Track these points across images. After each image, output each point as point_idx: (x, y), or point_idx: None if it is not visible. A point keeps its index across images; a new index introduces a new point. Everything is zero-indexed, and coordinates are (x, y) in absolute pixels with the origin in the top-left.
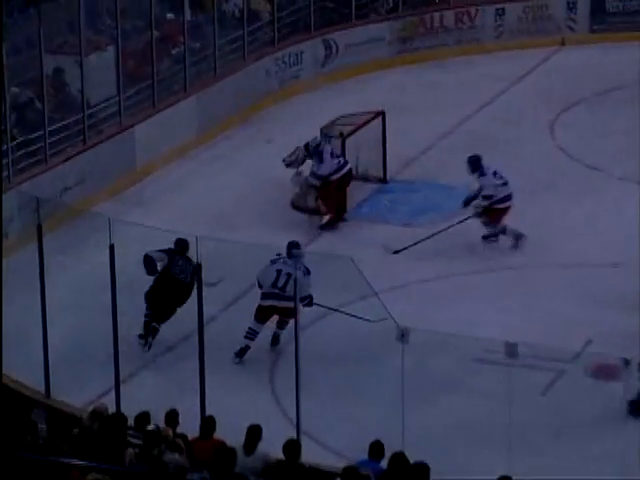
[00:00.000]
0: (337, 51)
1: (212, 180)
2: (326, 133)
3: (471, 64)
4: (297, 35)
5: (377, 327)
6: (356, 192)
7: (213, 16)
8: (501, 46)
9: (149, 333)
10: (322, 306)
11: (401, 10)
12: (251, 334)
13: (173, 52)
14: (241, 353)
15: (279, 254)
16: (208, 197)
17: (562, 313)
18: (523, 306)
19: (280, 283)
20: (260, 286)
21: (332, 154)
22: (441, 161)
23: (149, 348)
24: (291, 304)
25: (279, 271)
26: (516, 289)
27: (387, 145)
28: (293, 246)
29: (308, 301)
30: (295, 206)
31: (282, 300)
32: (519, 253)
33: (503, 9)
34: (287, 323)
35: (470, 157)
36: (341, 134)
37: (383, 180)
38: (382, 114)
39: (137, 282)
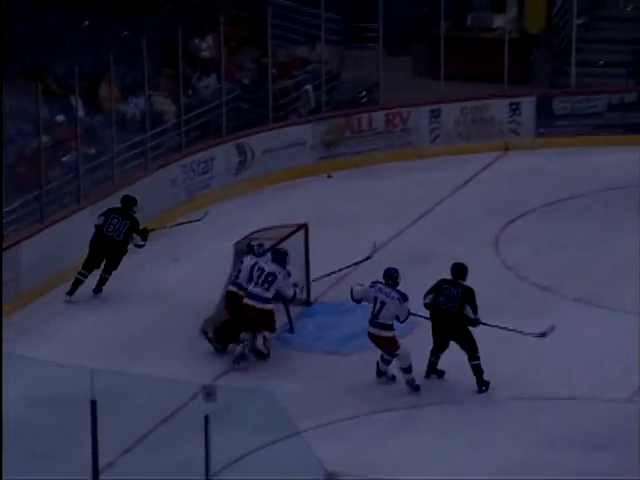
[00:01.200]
0: (253, 157)
1: (110, 305)
2: (240, 249)
3: (404, 171)
4: (207, 139)
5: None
6: (278, 315)
7: (111, 118)
8: (437, 151)
9: (74, 285)
10: None
11: (325, 111)
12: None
13: (64, 159)
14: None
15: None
16: (106, 324)
17: (513, 452)
18: (471, 444)
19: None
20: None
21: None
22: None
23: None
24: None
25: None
26: (462, 425)
27: (311, 262)
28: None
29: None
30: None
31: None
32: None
33: (439, 110)
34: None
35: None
36: (258, 248)
37: (307, 302)
38: (305, 227)
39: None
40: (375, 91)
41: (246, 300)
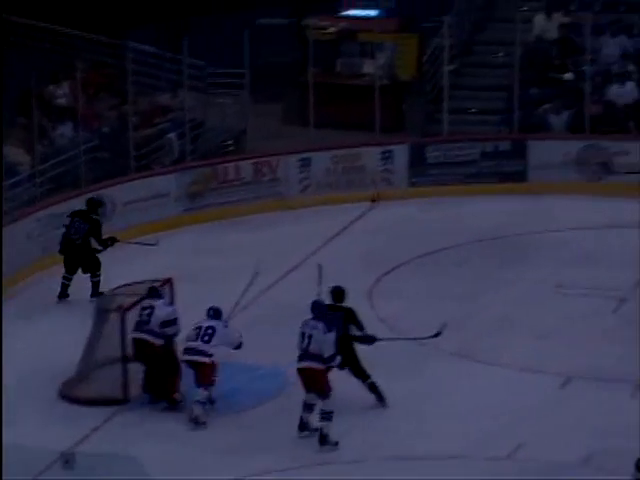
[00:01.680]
0: (114, 209)
1: None
2: (102, 307)
3: (274, 223)
4: (64, 191)
5: None
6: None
7: None
8: (308, 201)
9: (62, 288)
10: None
11: (189, 160)
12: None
13: None
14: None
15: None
16: None
17: None
18: None
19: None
20: None
21: None
22: (244, 337)
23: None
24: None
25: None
26: None
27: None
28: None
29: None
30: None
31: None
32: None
33: (309, 159)
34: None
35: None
36: (120, 307)
37: None
38: (169, 282)
39: None
40: (242, 139)
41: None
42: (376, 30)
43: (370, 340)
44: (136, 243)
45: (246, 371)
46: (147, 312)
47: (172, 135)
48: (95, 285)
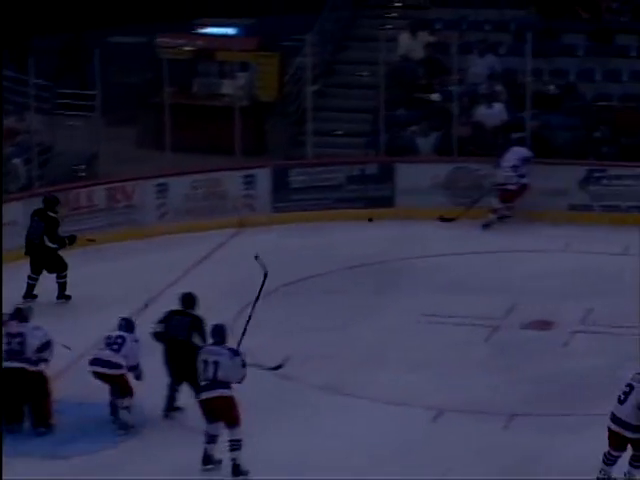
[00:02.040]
0: None
1: None
2: None
3: (130, 252)
4: None
5: None
6: None
7: None
8: (166, 229)
9: (27, 288)
10: None
11: (37, 187)
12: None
13: None
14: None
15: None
16: None
17: None
18: None
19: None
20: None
21: None
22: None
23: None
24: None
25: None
26: None
27: None
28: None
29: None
30: None
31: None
32: None
33: (166, 184)
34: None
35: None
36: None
37: None
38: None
39: None
40: (94, 164)
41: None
42: (235, 49)
43: None
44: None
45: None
46: (18, 340)
47: (17, 160)
48: (61, 286)
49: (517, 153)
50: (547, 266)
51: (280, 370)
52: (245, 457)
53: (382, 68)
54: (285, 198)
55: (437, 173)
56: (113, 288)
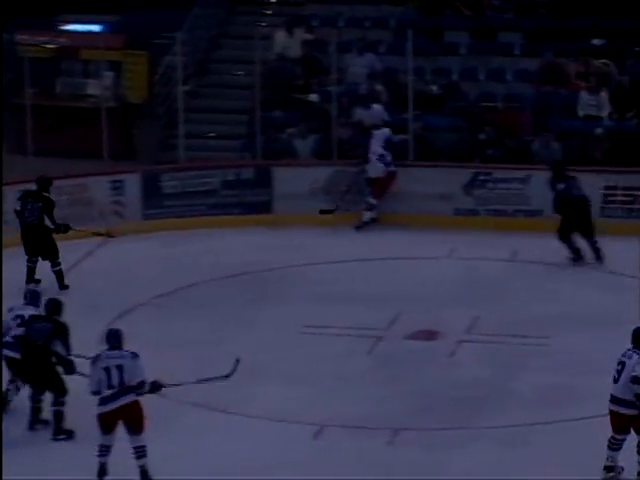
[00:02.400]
0: None
1: None
2: None
3: None
4: None
5: None
6: None
7: None
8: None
9: (28, 273)
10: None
11: None
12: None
13: None
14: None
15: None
16: None
17: None
18: None
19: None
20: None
21: None
22: None
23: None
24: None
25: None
26: None
27: None
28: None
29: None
30: None
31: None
32: None
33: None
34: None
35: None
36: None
37: None
38: None
39: None
40: None
41: None
42: (100, 47)
43: (69, 366)
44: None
45: None
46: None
47: None
48: (59, 275)
49: (379, 138)
50: (432, 273)
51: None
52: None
53: (257, 67)
54: (156, 205)
55: (316, 177)
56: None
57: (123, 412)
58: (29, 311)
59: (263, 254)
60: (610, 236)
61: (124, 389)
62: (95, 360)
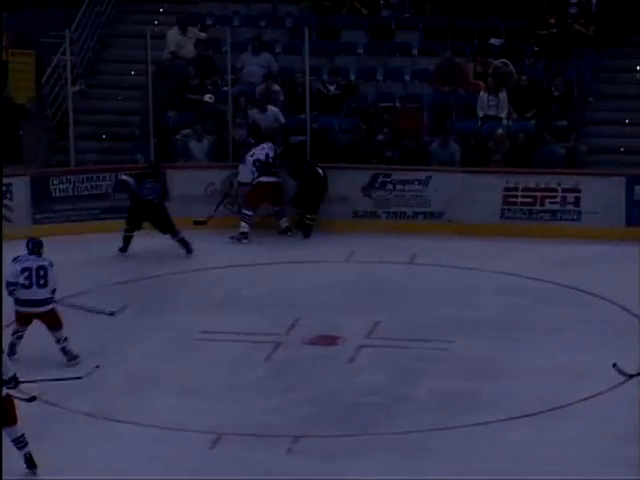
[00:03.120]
0: None
1: None
2: None
3: None
4: None
5: None
6: None
7: None
8: None
9: (125, 242)
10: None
11: None
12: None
13: None
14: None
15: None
16: None
17: None
18: None
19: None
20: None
21: None
22: None
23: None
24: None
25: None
26: None
27: None
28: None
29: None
30: None
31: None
32: None
33: None
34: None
35: None
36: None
37: None
38: None
39: None
40: None
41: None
42: None
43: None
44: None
45: None
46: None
47: None
48: (183, 242)
49: (267, 148)
50: (330, 277)
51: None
52: None
53: (150, 67)
54: (46, 209)
55: (212, 180)
56: None
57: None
58: (35, 262)
59: (155, 260)
60: (510, 238)
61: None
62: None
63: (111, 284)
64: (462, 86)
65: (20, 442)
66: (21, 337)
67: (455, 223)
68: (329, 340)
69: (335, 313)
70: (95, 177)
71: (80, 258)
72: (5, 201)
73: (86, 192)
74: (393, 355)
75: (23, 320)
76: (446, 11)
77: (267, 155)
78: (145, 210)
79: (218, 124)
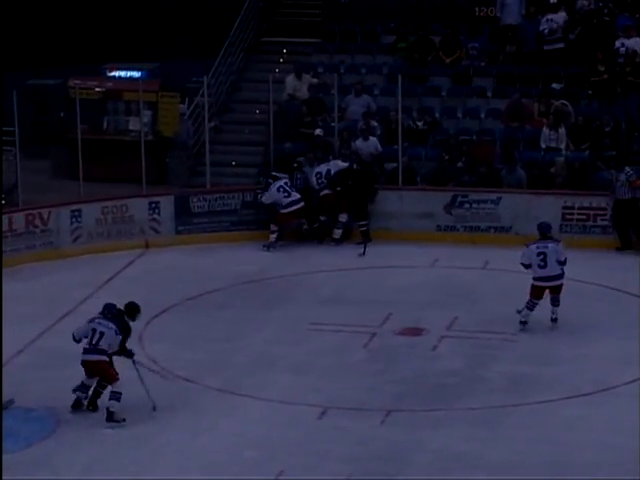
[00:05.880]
0: None
1: None
2: None
3: (47, 271)
4: None
5: None
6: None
7: None
8: (79, 251)
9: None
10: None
11: None
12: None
13: None
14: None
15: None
16: None
17: None
18: None
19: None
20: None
21: None
22: (17, 381)
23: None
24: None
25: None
26: None
27: None
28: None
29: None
30: None
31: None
32: None
33: (79, 210)
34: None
35: None
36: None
37: None
38: None
39: None
40: (14, 193)
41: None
42: (140, 90)
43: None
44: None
45: (16, 415)
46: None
47: None
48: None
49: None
50: (418, 280)
51: (183, 375)
52: (148, 453)
53: (271, 107)
54: (186, 222)
55: None
56: (30, 305)
57: (90, 366)
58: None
59: (275, 264)
60: (567, 248)
61: (96, 349)
62: (90, 321)
63: (238, 283)
64: (528, 123)
65: (115, 396)
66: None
67: (521, 235)
68: (416, 331)
69: (421, 309)
70: (226, 196)
71: (213, 262)
72: (154, 215)
73: (219, 208)
74: (469, 344)
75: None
76: (515, 60)
77: (328, 171)
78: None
79: (326, 153)
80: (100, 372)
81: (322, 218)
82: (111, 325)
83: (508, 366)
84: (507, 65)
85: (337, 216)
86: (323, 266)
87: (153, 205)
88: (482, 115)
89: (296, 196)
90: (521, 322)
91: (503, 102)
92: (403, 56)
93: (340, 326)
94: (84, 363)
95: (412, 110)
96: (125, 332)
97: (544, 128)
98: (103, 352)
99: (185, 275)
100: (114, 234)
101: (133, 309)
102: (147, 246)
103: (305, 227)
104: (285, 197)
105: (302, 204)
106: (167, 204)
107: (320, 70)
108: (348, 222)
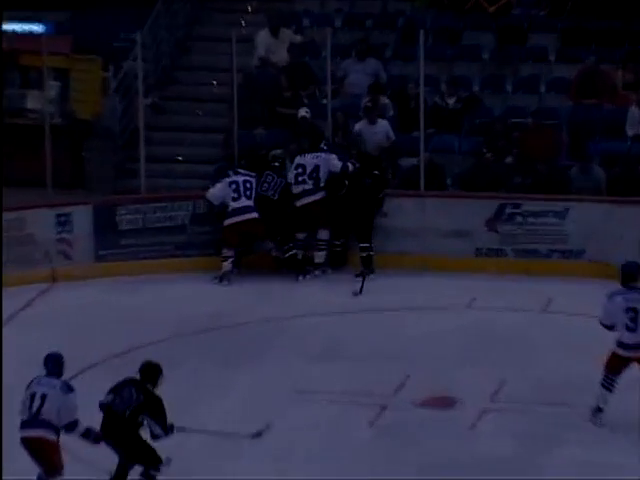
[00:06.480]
0: None
1: None
2: None
3: None
4: None
5: None
6: None
7: None
8: None
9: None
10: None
11: None
12: None
13: None
14: None
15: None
16: None
17: None
18: None
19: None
20: None
21: None
22: None
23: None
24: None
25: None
26: None
27: None
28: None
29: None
30: None
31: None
32: None
33: None
34: None
35: None
36: None
37: None
38: None
39: None
40: None
41: None
42: (43, 52)
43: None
44: None
45: None
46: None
47: None
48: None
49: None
50: (448, 326)
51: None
52: None
53: (235, 76)
54: (111, 244)
55: None
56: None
57: (31, 445)
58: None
59: (242, 302)
60: None
61: (37, 421)
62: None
63: (186, 333)
64: (608, 99)
65: None
66: None
67: (598, 263)
68: (445, 402)
69: (452, 370)
70: (170, 206)
71: (152, 302)
72: (63, 234)
73: (159, 224)
74: (522, 421)
75: None
76: (590, 10)
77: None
78: (265, 207)
79: (315, 144)
80: (40, 455)
81: (300, 236)
82: (55, 382)
83: (579, 452)
84: (578, 16)
85: (316, 233)
86: (309, 307)
87: (63, 219)
88: (541, 89)
89: (245, 203)
90: (596, 410)
91: (572, 69)
92: (426, 2)
93: (336, 394)
94: (24, 441)
95: (439, 81)
96: (155, 406)
97: (632, 107)
98: (48, 425)
99: (109, 321)
100: (5, 261)
101: (153, 370)
102: (54, 278)
103: (274, 252)
104: (233, 199)
105: (253, 215)
106: (83, 218)
107: (306, 24)
108: (343, 243)
